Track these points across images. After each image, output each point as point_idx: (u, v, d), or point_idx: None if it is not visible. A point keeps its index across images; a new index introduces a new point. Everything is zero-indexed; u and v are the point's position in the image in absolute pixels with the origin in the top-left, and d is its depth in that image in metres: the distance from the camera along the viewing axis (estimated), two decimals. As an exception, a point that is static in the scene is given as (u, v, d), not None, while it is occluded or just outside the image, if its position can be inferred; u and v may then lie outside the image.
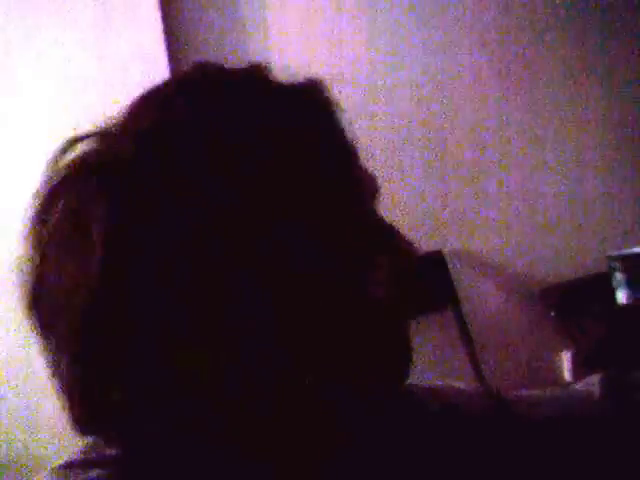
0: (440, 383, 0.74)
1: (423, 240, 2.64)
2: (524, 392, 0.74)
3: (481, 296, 2.95)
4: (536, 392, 0.74)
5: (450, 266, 2.84)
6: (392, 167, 2.69)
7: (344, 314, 0.57)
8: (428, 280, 2.56)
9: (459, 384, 0.76)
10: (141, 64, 2.38)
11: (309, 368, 0.57)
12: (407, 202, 2.65)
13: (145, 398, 0.55)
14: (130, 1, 2.45)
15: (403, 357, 0.61)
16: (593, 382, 0.72)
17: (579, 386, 0.73)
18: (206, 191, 0.55)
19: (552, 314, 2.86)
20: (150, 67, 2.36)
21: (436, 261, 2.79)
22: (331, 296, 0.57)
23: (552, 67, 2.98)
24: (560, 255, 2.98)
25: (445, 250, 2.84)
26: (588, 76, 3.00)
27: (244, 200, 0.55)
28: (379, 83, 2.82)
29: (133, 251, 0.54)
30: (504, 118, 2.96)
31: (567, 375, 2.98)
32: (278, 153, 0.57)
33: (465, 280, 2.90)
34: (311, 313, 0.56)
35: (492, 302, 2.96)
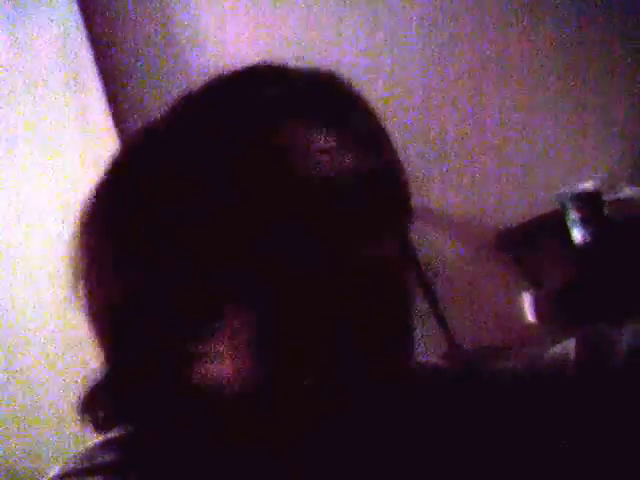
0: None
1: None
2: (502, 365, 0.74)
3: (438, 247, 2.95)
4: (514, 362, 0.74)
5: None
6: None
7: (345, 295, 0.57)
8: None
9: (434, 360, 0.77)
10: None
11: (310, 356, 0.57)
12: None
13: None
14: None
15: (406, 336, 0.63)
16: (569, 344, 0.71)
17: (557, 349, 0.73)
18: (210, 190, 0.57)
19: (510, 257, 2.87)
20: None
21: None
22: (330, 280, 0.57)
23: None
24: (513, 197, 2.99)
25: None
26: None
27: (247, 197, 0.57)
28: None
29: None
30: (452, 60, 2.94)
31: (530, 316, 3.01)
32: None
33: (420, 234, 2.89)
34: (310, 297, 0.56)
35: (449, 252, 2.97)
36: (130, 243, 0.59)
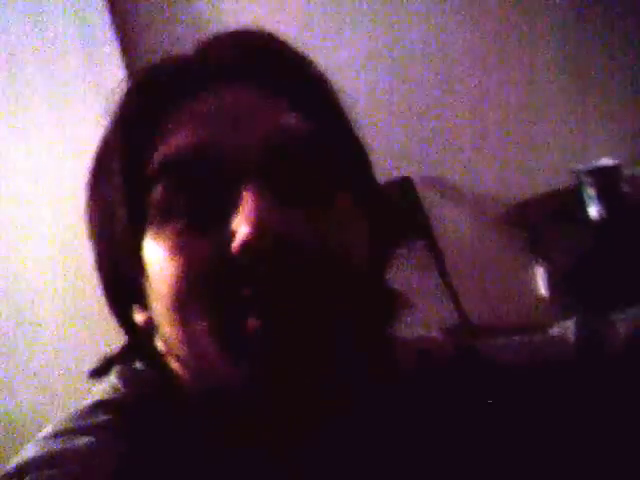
0: (422, 336, 0.73)
1: (391, 167, 2.69)
2: (499, 340, 0.73)
3: (452, 220, 2.94)
4: (510, 339, 0.73)
5: (419, 192, 2.81)
6: (359, 92, 2.64)
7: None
8: (398, 207, 2.54)
9: (434, 333, 0.76)
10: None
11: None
12: (375, 129, 2.60)
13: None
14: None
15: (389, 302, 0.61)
16: (568, 326, 0.70)
17: (555, 331, 0.72)
18: None
19: (524, 233, 2.85)
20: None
21: (404, 188, 2.75)
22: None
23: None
24: (528, 172, 2.96)
25: (413, 176, 2.80)
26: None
27: None
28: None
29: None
30: (473, 46, 2.91)
31: (543, 291, 2.99)
32: None
33: (435, 205, 2.88)
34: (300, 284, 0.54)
35: (463, 225, 2.95)
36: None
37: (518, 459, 0.64)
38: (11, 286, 2.25)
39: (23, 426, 2.12)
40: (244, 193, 0.55)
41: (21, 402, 2.20)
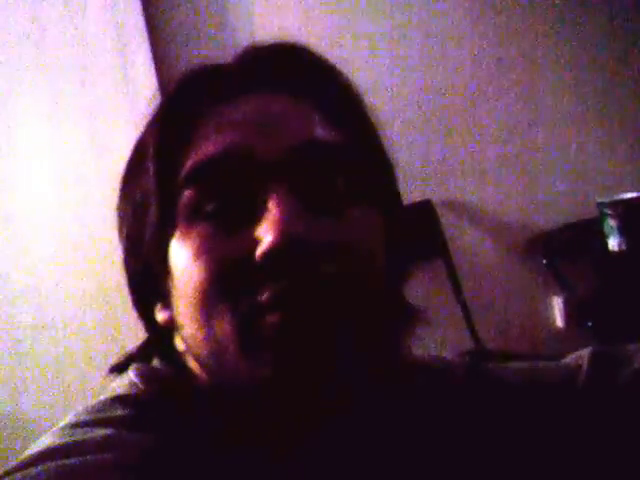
0: (432, 356, 0.74)
1: (412, 190, 2.69)
2: (510, 363, 0.73)
3: (471, 245, 2.93)
4: (521, 363, 0.73)
5: (439, 215, 2.82)
6: (380, 115, 2.64)
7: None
8: (417, 229, 2.54)
9: (447, 355, 0.76)
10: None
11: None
12: (396, 151, 2.60)
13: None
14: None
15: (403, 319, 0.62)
16: (583, 355, 0.70)
17: (569, 358, 0.71)
18: None
19: (543, 261, 2.84)
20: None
21: (425, 210, 2.76)
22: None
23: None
24: (550, 202, 2.96)
25: (434, 200, 2.80)
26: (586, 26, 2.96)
27: None
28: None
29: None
30: (496, 66, 2.91)
31: (558, 321, 2.98)
32: None
33: (454, 229, 2.88)
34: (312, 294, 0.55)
35: (482, 251, 2.95)
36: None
37: (518, 477, 0.64)
38: (30, 286, 2.27)
39: (34, 429, 2.12)
40: (271, 198, 0.56)
41: (33, 404, 2.21)
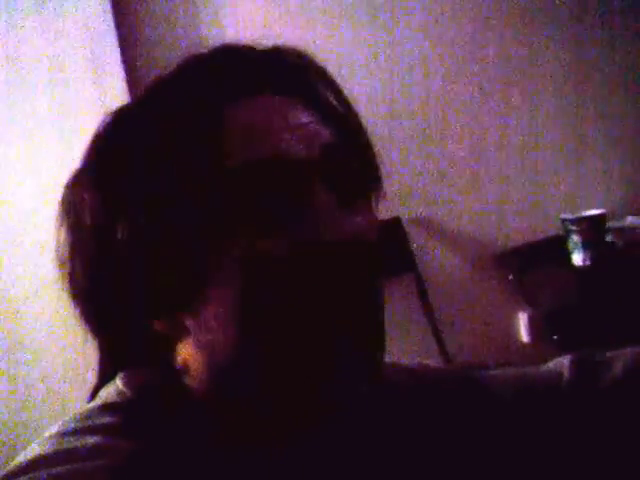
0: (414, 362, 0.75)
1: (382, 207, 2.70)
2: (492, 370, 0.75)
3: (439, 261, 2.96)
4: (504, 369, 0.75)
5: (408, 233, 2.85)
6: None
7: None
8: (387, 246, 2.56)
9: (431, 362, 0.77)
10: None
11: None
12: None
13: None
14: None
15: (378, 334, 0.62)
16: (563, 362, 0.72)
17: (550, 365, 0.73)
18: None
19: (510, 277, 2.89)
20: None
21: (394, 228, 2.79)
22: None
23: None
24: (516, 219, 3.00)
25: (403, 217, 2.85)
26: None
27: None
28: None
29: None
30: (473, 89, 2.97)
31: (524, 336, 3.01)
32: None
33: (423, 246, 2.91)
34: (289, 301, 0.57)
35: (450, 267, 2.98)
36: (110, 217, 0.60)
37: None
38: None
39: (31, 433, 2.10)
40: (315, 196, 0.59)
41: (30, 408, 2.18)
